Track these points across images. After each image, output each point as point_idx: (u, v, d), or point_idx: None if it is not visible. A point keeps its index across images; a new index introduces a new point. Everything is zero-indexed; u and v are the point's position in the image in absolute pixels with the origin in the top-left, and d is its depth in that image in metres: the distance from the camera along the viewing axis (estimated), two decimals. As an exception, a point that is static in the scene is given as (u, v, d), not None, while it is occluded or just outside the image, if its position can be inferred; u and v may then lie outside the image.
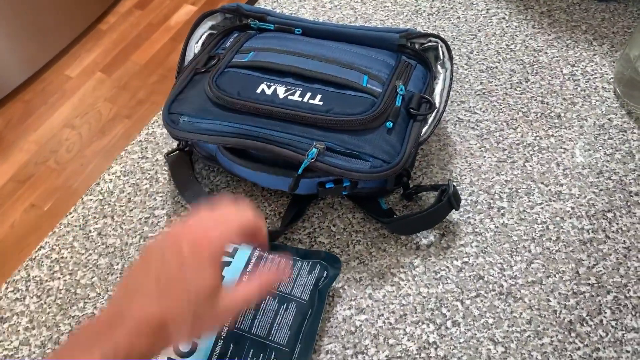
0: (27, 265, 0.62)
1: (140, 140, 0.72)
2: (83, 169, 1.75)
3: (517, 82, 0.76)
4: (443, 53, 0.66)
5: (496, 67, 0.77)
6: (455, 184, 0.66)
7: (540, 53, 0.79)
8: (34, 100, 1.94)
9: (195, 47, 0.68)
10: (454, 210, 0.60)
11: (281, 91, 0.59)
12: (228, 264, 0.57)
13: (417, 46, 0.66)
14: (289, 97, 0.59)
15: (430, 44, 0.66)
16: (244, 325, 0.53)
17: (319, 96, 0.59)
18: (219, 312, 0.39)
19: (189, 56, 0.68)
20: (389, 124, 0.58)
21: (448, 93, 0.63)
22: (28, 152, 1.81)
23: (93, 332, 0.37)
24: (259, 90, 0.60)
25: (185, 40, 0.68)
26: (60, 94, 1.95)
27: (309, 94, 0.59)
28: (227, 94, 0.60)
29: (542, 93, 0.74)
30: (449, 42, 0.80)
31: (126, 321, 0.36)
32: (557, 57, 0.78)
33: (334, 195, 0.65)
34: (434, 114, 0.61)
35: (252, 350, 0.52)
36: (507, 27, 0.82)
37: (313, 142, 0.57)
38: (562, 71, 0.76)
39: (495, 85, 0.75)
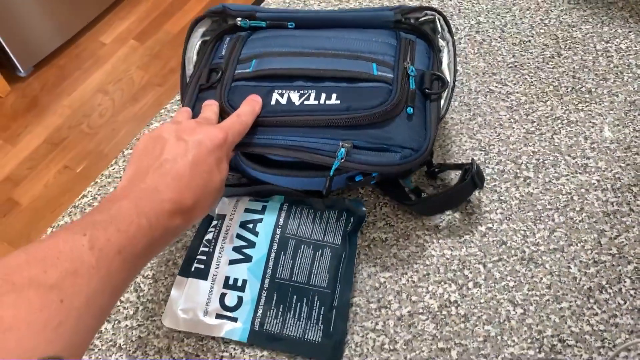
0: (70, 212, 0.66)
1: (179, 100, 0.75)
2: (115, 133, 1.80)
3: (549, 57, 0.76)
4: (441, 25, 0.64)
5: (529, 41, 0.78)
6: (478, 162, 0.67)
7: (574, 28, 0.79)
8: (68, 65, 1.99)
9: (193, 59, 0.66)
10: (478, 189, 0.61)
11: (295, 97, 0.58)
12: (260, 220, 0.60)
13: (412, 21, 0.65)
14: (305, 102, 0.58)
15: (426, 17, 0.65)
16: (284, 275, 0.57)
17: (334, 95, 0.58)
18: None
19: (189, 70, 0.65)
20: (409, 110, 0.57)
21: (455, 65, 0.62)
22: (62, 115, 1.86)
23: (134, 200, 0.43)
24: (273, 102, 0.58)
25: (182, 54, 0.66)
26: (94, 60, 1.99)
27: (324, 95, 0.58)
28: None
29: (574, 68, 0.75)
30: (482, 15, 0.81)
31: (164, 201, 0.44)
32: (591, 33, 0.78)
33: (363, 186, 0.66)
34: (446, 89, 0.61)
35: (295, 296, 0.56)
36: (542, 1, 0.82)
37: (339, 142, 0.55)
38: (595, 47, 0.77)
39: (528, 59, 0.76)
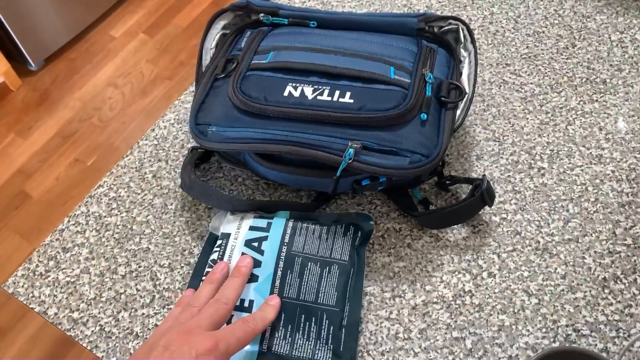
0: (87, 202, 0.67)
1: (193, 91, 0.75)
2: (125, 127, 1.81)
3: (563, 47, 0.76)
4: (464, 35, 0.64)
5: (543, 32, 0.78)
6: (492, 152, 0.67)
7: (588, 19, 0.79)
8: (78, 59, 1.99)
9: (210, 50, 0.66)
10: (487, 206, 0.59)
11: (309, 92, 0.58)
12: (265, 238, 0.58)
13: (436, 29, 0.65)
14: (318, 97, 0.57)
15: (450, 26, 0.65)
16: (291, 294, 0.55)
17: (348, 93, 0.57)
18: None
19: (206, 60, 0.65)
20: (423, 116, 0.57)
21: (475, 77, 0.62)
22: (73, 109, 1.87)
23: None
24: (286, 93, 0.58)
25: (200, 44, 0.66)
26: (104, 54, 2.00)
27: (337, 92, 0.57)
28: (253, 99, 0.58)
29: (588, 59, 0.75)
30: (496, 6, 0.81)
31: None
32: (605, 23, 0.78)
33: (370, 191, 0.64)
34: (464, 100, 0.61)
35: (303, 315, 0.54)
36: (556, -8, 0.82)
37: (348, 142, 0.55)
38: (610, 38, 0.76)
39: (542, 50, 0.76)
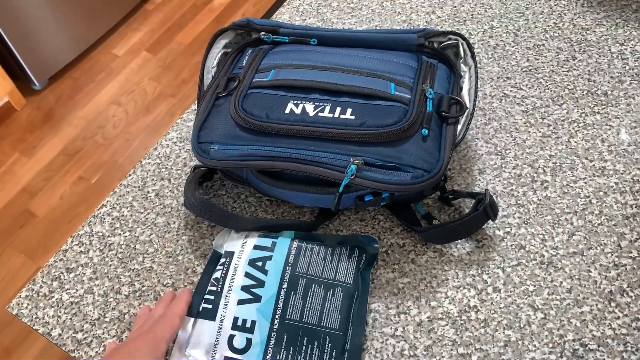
0: (90, 222, 0.67)
1: (195, 109, 0.76)
2: (129, 144, 1.81)
3: (564, 60, 0.76)
4: (464, 50, 0.64)
5: (543, 45, 0.78)
6: (494, 167, 0.67)
7: (588, 31, 0.79)
8: (82, 77, 2.01)
9: (212, 69, 0.67)
10: (490, 221, 0.59)
11: (310, 109, 0.58)
12: (269, 257, 0.58)
13: (436, 45, 0.65)
14: (319, 114, 0.57)
15: (449, 42, 0.65)
16: (294, 316, 0.55)
17: (349, 110, 0.57)
18: None
19: (208, 79, 0.66)
20: (424, 131, 0.57)
21: (475, 91, 0.62)
22: (77, 127, 1.88)
23: None
24: (287, 111, 0.58)
25: (202, 63, 0.67)
26: (108, 72, 2.01)
27: (339, 109, 0.58)
28: (255, 117, 0.58)
29: (589, 71, 0.75)
30: (495, 20, 0.81)
31: None
32: (605, 35, 0.78)
33: (373, 207, 0.65)
34: (465, 114, 0.61)
35: (305, 338, 0.54)
36: (555, 5, 0.82)
37: (350, 158, 0.55)
38: (610, 50, 0.77)
39: (542, 63, 0.76)
